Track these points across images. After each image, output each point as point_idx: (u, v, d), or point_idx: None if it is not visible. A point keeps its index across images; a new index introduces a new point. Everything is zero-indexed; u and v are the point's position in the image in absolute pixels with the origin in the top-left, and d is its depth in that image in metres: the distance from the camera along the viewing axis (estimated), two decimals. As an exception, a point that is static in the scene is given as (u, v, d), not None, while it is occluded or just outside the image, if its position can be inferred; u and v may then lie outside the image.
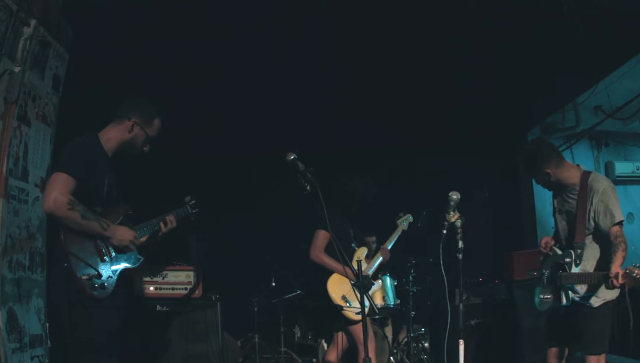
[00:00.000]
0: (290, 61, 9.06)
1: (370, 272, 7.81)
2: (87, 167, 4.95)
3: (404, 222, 8.39)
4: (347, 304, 7.26)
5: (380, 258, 7.94)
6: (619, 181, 13.56)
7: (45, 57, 6.30)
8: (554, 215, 6.59)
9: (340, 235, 7.44)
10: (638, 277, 5.21)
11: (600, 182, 6.04)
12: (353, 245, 7.82)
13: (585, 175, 6.16)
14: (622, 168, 13.66)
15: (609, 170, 13.73)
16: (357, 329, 7.31)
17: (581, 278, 5.81)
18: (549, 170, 6.15)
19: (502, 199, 11.63)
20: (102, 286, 4.87)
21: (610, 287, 5.44)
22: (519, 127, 12.34)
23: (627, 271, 5.28)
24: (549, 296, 6.20)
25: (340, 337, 7.60)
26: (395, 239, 8.24)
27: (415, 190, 11.07)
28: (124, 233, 5.05)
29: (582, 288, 5.94)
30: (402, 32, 8.40)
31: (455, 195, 5.76)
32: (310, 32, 8.24)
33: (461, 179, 8.26)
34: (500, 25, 8.23)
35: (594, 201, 5.92)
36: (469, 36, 8.54)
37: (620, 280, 5.30)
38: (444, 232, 5.70)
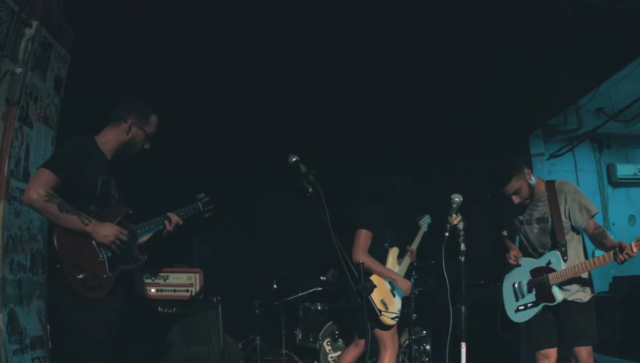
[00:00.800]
0: (291, 61, 9.07)
1: (402, 273, 7.75)
2: (74, 165, 4.98)
3: (424, 222, 8.33)
4: (385, 308, 7.23)
5: (409, 260, 7.94)
6: (620, 183, 13.57)
7: (47, 59, 6.30)
8: (518, 230, 6.76)
9: (378, 233, 7.49)
10: None
11: (569, 185, 6.41)
12: (386, 244, 7.77)
13: (550, 182, 6.49)
14: (624, 170, 13.65)
15: (610, 173, 13.73)
16: (387, 335, 7.33)
17: (579, 268, 5.98)
18: (528, 176, 6.34)
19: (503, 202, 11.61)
20: (98, 286, 4.89)
21: (624, 259, 5.67)
22: (521, 129, 12.34)
23: (637, 239, 5.58)
24: (530, 303, 6.38)
25: (363, 341, 7.53)
26: (420, 240, 8.18)
27: (418, 191, 11.04)
28: (107, 230, 4.99)
29: (573, 286, 6.21)
30: (403, 33, 8.40)
31: (457, 198, 5.77)
32: (314, 31, 8.26)
33: (463, 181, 8.23)
34: (504, 27, 8.24)
35: (567, 200, 6.25)
36: (472, 38, 8.55)
37: (635, 249, 5.56)
38: (446, 234, 5.70)
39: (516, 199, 6.37)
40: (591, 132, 12.62)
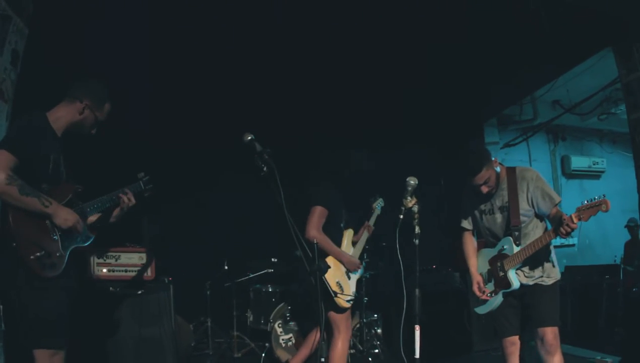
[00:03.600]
0: (241, 47, 9.10)
1: (357, 253, 7.57)
2: (31, 144, 4.93)
3: (377, 206, 8.16)
4: (341, 290, 6.96)
5: (367, 235, 7.73)
6: (574, 175, 13.79)
7: (5, 32, 6.23)
8: (478, 221, 6.65)
9: (334, 212, 7.20)
10: (589, 205, 5.54)
11: (530, 171, 6.29)
12: (342, 225, 7.47)
13: (510, 169, 6.37)
14: (578, 162, 13.89)
15: (565, 164, 13.93)
16: (341, 318, 7.04)
17: (528, 249, 5.98)
18: (495, 164, 6.22)
19: (457, 188, 11.66)
20: (52, 265, 4.89)
21: (566, 231, 5.63)
22: (476, 117, 12.41)
23: (577, 210, 5.59)
24: (490, 292, 6.35)
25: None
26: (374, 222, 7.97)
27: (370, 177, 11.01)
28: (67, 215, 5.00)
29: (536, 272, 6.18)
30: (355, 16, 8.37)
31: (412, 181, 5.73)
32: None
33: (416, 166, 8.15)
34: (466, 15, 8.28)
35: (530, 188, 6.15)
36: (430, 23, 8.56)
37: (576, 220, 5.55)
38: (401, 216, 5.67)
39: (485, 189, 6.22)
40: (546, 123, 12.76)
